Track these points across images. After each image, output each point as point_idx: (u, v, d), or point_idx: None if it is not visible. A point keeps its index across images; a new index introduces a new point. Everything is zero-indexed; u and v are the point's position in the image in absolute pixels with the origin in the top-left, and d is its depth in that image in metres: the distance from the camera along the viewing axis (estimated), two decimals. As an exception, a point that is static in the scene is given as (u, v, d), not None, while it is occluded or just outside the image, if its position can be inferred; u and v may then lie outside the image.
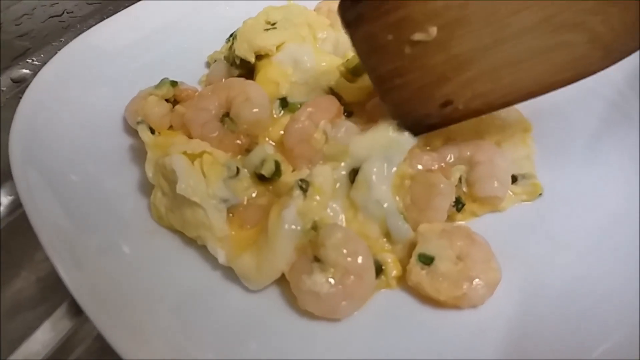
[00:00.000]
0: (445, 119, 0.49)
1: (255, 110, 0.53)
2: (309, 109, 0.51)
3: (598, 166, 0.56)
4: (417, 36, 0.44)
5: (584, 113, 0.60)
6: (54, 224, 0.49)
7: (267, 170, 0.50)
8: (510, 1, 0.42)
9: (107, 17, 0.82)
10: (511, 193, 0.55)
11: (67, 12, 0.80)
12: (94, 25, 0.80)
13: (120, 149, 0.59)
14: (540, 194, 0.54)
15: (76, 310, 0.52)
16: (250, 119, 0.53)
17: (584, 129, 0.59)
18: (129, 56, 0.66)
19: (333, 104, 0.53)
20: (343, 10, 0.48)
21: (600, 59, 0.45)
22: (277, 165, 0.50)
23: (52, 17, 0.82)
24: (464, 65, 0.45)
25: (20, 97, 0.58)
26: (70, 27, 0.79)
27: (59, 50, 0.77)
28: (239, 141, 0.53)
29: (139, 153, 0.58)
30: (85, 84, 0.62)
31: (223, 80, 0.61)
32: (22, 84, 0.75)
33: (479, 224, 0.53)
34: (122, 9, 0.83)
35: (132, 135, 0.59)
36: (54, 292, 0.53)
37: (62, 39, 0.78)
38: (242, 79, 0.56)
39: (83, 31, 0.79)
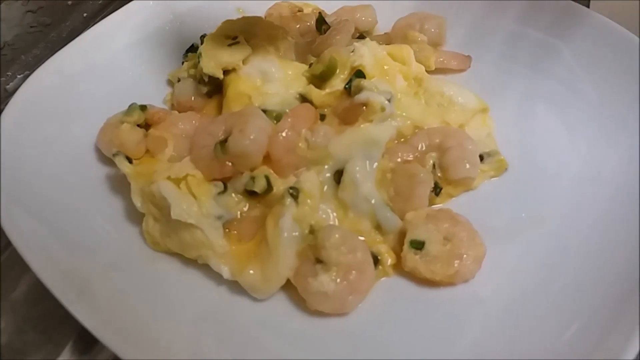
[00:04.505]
0: None
1: (246, 142, 0.51)
2: (290, 119, 0.53)
3: (557, 134, 0.60)
4: None
5: (537, 89, 0.65)
6: (48, 258, 0.49)
7: (259, 187, 0.51)
8: None
9: (52, 44, 0.81)
10: (480, 171, 0.58)
11: (9, 45, 0.77)
12: (39, 54, 0.79)
13: (99, 180, 0.59)
14: (506, 169, 0.59)
15: (84, 348, 0.52)
16: (237, 151, 0.51)
17: (537, 101, 0.64)
18: (88, 85, 0.65)
19: (310, 111, 0.55)
20: None
21: None
22: (268, 180, 0.52)
23: (-7, 51, 0.79)
24: None
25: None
26: (15, 60, 0.77)
27: (7, 86, 0.75)
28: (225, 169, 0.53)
29: (119, 182, 0.58)
30: (51, 120, 0.61)
31: (192, 98, 0.62)
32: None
33: (456, 204, 0.57)
34: (66, 34, 0.82)
35: (109, 164, 0.59)
36: (58, 332, 0.52)
37: (9, 73, 0.76)
38: (253, 108, 0.54)
39: (29, 62, 0.78)
